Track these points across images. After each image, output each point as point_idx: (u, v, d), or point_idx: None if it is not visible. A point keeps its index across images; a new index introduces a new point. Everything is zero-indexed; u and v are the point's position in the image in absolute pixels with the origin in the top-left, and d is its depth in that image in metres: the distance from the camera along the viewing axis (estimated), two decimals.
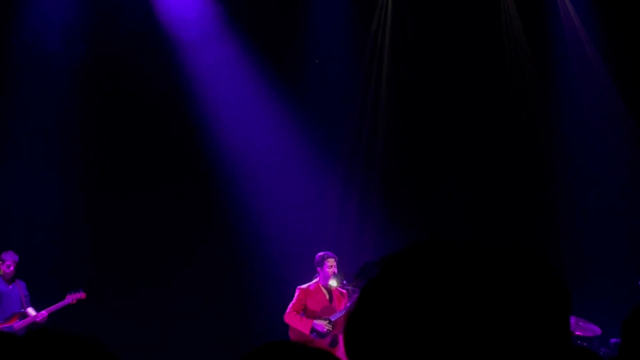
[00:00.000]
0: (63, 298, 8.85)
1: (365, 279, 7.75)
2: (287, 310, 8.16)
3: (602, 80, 10.60)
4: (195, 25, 10.62)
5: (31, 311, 8.87)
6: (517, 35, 10.75)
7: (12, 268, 8.84)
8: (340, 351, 8.05)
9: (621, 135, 10.59)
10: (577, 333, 8.02)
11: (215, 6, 10.70)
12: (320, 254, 8.33)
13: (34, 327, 8.63)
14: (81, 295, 8.90)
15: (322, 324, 8.09)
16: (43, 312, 8.78)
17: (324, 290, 8.25)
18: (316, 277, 8.33)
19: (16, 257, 8.88)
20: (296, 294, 8.22)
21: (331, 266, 8.22)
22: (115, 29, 10.23)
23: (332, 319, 8.13)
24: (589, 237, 10.42)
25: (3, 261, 8.84)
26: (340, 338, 8.18)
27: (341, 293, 8.31)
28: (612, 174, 10.54)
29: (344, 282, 8.28)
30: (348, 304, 8.14)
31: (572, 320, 7.93)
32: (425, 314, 0.94)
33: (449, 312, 0.93)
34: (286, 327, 8.23)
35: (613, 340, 8.02)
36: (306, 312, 8.17)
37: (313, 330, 8.09)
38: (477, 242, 1.00)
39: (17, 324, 8.75)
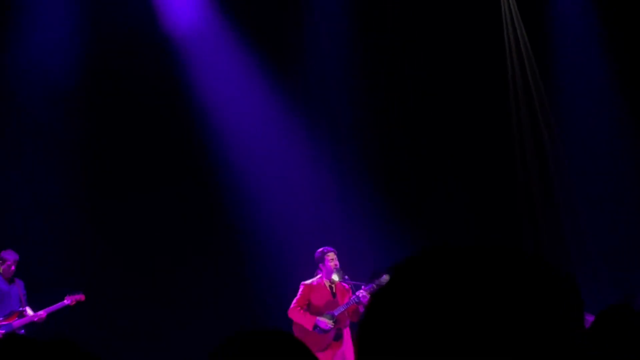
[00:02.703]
0: (62, 299, 8.87)
1: (376, 286, 7.79)
2: (292, 306, 8.23)
3: (603, 76, 10.59)
4: (195, 24, 10.61)
5: (29, 311, 8.87)
6: (518, 33, 10.71)
7: (13, 267, 8.86)
8: (344, 345, 8.18)
9: (622, 131, 10.57)
10: None
11: (215, 4, 10.68)
12: (319, 250, 8.39)
13: (32, 327, 8.67)
14: (80, 297, 8.89)
15: (325, 321, 8.14)
16: (41, 312, 8.77)
17: (328, 286, 8.32)
18: (318, 274, 8.38)
19: (17, 256, 8.89)
20: (300, 290, 8.29)
21: (332, 259, 8.28)
22: (115, 28, 10.23)
23: (336, 314, 8.18)
24: (591, 232, 10.43)
25: (4, 261, 8.85)
26: (345, 332, 8.25)
27: (344, 288, 8.36)
28: (613, 171, 10.54)
29: (346, 277, 8.32)
30: (352, 298, 8.18)
31: None
32: (437, 321, 0.93)
33: (461, 319, 0.93)
34: (290, 322, 8.27)
35: None
36: (310, 308, 8.23)
37: (316, 326, 8.15)
38: (487, 246, 1.00)
39: (16, 322, 8.75)
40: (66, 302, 8.84)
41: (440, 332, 0.93)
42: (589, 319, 8.42)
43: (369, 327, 1.00)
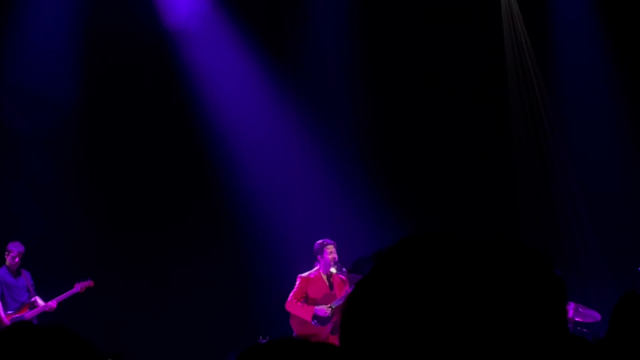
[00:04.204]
0: (71, 287, 8.95)
1: (359, 274, 7.75)
2: (289, 299, 8.17)
3: (604, 74, 10.58)
4: (194, 19, 10.59)
5: (39, 301, 8.95)
6: (519, 32, 10.68)
7: (17, 259, 8.91)
8: None
9: (623, 129, 10.57)
10: (577, 319, 8.04)
11: (215, 1, 10.72)
12: (319, 241, 8.34)
13: (44, 317, 8.75)
14: (89, 283, 8.97)
15: (324, 309, 8.09)
16: (52, 301, 8.85)
17: (325, 278, 8.26)
18: (316, 265, 8.33)
19: (22, 248, 8.93)
20: (297, 283, 8.23)
21: (331, 252, 8.22)
22: (113, 24, 10.21)
23: (333, 306, 8.13)
24: (589, 223, 10.41)
25: (9, 252, 8.91)
26: None
27: (342, 280, 8.31)
28: (613, 162, 10.51)
29: (344, 269, 8.28)
30: (349, 291, 8.13)
31: (572, 306, 7.96)
32: (419, 308, 0.94)
33: (442, 306, 0.93)
34: (287, 315, 8.27)
35: None
36: (307, 300, 8.18)
37: (315, 316, 8.10)
38: (469, 234, 1.00)
39: (28, 314, 8.84)
40: (76, 289, 8.91)
41: (420, 320, 0.94)
42: (588, 312, 8.31)
43: (351, 314, 1.00)
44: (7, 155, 10.22)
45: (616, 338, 2.42)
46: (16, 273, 8.97)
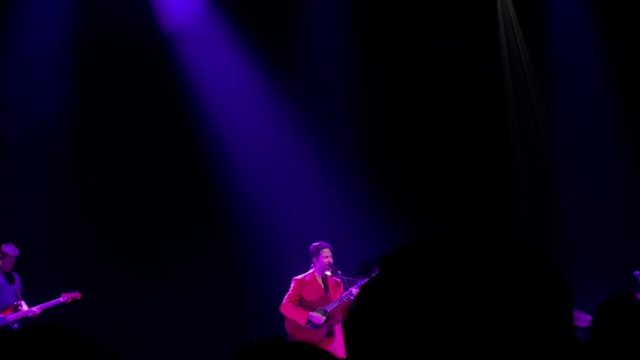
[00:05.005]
0: (58, 295, 8.87)
1: (365, 276, 7.74)
2: (283, 301, 8.19)
3: (601, 75, 10.61)
4: (189, 20, 10.61)
5: (24, 306, 8.87)
6: (516, 34, 10.70)
7: (13, 262, 8.88)
8: (336, 341, 8.13)
9: (620, 130, 10.59)
10: None
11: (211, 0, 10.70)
12: (315, 244, 8.36)
13: (25, 322, 8.67)
14: (76, 295, 8.91)
15: (318, 316, 8.10)
16: (36, 308, 8.77)
17: (320, 281, 8.28)
18: (311, 268, 8.36)
19: (17, 251, 8.90)
20: (292, 285, 8.25)
21: (327, 256, 8.24)
22: (109, 26, 10.21)
23: (328, 310, 8.15)
24: (584, 225, 10.44)
25: (5, 255, 8.86)
26: (336, 328, 8.22)
27: (337, 283, 8.33)
28: (608, 164, 10.55)
29: (339, 272, 8.30)
30: (344, 294, 8.16)
31: None
32: (426, 312, 0.93)
33: (450, 310, 0.93)
34: (282, 318, 8.26)
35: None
36: (302, 303, 8.19)
37: (309, 321, 8.11)
38: (477, 236, 0.99)
39: (11, 316, 8.76)
40: (62, 299, 8.85)
41: (427, 323, 0.93)
42: (583, 316, 8.32)
43: (358, 318, 1.00)
44: (2, 159, 10.16)
45: (597, 343, 2.40)
46: (8, 275, 8.92)
